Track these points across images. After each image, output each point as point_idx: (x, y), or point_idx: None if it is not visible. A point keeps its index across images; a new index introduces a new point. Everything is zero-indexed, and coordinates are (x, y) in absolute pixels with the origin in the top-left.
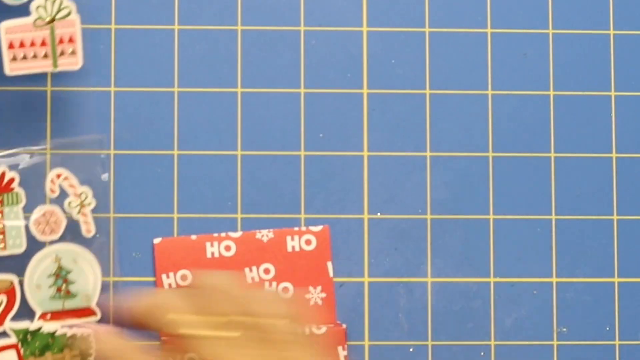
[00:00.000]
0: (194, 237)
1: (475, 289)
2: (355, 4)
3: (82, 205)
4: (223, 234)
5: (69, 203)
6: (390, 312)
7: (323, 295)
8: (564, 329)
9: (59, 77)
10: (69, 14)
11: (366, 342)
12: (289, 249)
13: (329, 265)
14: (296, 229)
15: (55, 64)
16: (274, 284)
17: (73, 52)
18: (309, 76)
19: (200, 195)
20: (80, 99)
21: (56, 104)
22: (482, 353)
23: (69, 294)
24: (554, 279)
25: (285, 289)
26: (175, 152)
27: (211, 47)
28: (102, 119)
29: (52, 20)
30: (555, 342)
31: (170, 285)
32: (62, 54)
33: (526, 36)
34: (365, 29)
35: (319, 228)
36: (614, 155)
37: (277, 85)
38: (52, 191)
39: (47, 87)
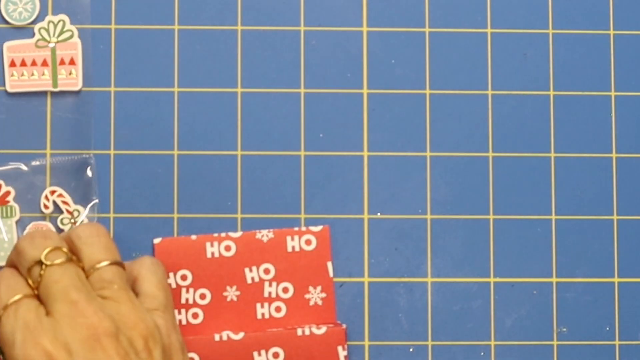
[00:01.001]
0: (194, 237)
1: (475, 289)
2: (355, 4)
3: (74, 222)
4: (223, 234)
5: (62, 220)
6: (390, 312)
7: (323, 295)
8: (564, 329)
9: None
10: (70, 37)
11: (366, 342)
12: (289, 249)
13: (329, 265)
14: (296, 229)
15: (55, 84)
16: (274, 284)
17: (73, 74)
18: (309, 76)
19: (200, 195)
20: (80, 99)
21: (56, 104)
22: (482, 353)
23: None
24: (554, 279)
25: (285, 289)
26: (175, 152)
27: (211, 47)
28: (102, 119)
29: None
30: (555, 342)
31: (170, 285)
32: (62, 74)
33: (526, 36)
34: (365, 29)
35: (319, 228)
36: (614, 155)
37: (277, 85)
38: (46, 207)
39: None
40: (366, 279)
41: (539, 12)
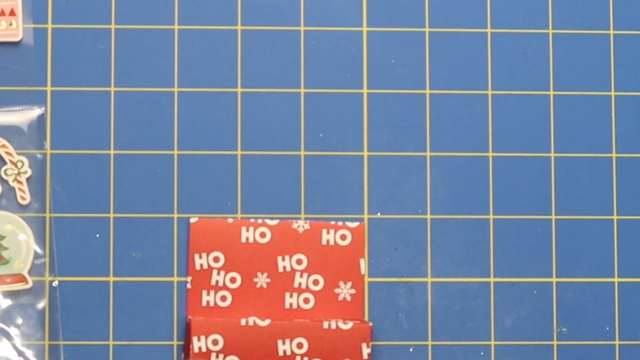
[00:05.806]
0: (230, 220)
1: (475, 289)
2: (355, 4)
3: (18, 173)
4: (260, 220)
5: (5, 171)
6: (390, 312)
7: (353, 291)
8: (564, 329)
9: (60, 77)
10: None
11: None
12: (324, 242)
13: (362, 262)
14: (332, 222)
15: None
16: (305, 275)
17: (14, 24)
18: (309, 76)
19: (200, 195)
20: (80, 99)
21: (57, 104)
22: (482, 353)
23: (1, 260)
24: (554, 279)
25: (316, 282)
26: (175, 152)
27: (211, 47)
28: (102, 119)
29: None
30: (555, 342)
31: (202, 265)
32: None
33: (526, 36)
34: (365, 29)
35: (355, 224)
36: (614, 155)
37: (277, 85)
38: None
39: (47, 87)
40: (366, 279)
41: (539, 12)
